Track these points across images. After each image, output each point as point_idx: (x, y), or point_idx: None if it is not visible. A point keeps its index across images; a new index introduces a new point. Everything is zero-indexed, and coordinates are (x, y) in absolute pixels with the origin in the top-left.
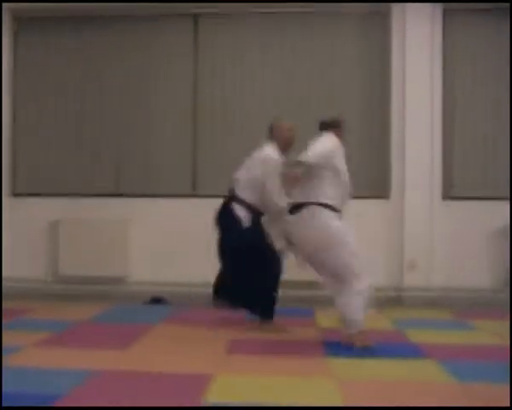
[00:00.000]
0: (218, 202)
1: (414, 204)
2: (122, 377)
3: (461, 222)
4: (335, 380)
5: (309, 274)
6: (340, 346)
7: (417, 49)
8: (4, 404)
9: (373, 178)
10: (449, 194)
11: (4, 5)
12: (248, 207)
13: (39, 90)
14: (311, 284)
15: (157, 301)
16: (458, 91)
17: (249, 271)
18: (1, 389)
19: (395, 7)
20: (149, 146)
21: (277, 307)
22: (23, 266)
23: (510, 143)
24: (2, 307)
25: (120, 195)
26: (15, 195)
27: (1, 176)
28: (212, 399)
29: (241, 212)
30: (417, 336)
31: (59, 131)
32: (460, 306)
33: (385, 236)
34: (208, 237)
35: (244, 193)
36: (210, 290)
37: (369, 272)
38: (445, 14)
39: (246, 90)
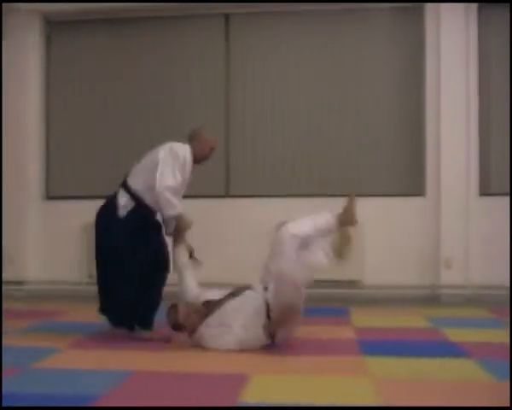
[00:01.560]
0: (252, 202)
1: (450, 201)
2: (159, 378)
3: (498, 218)
4: (372, 379)
5: (344, 273)
6: (376, 345)
7: (452, 46)
8: (43, 405)
9: (408, 175)
10: (485, 190)
11: (37, 10)
12: (132, 195)
13: (72, 92)
14: (346, 283)
15: None
16: (494, 87)
17: (110, 271)
18: (1, 388)
19: (428, 4)
20: None
21: (311, 305)
22: (58, 269)
23: (510, 142)
24: (38, 310)
25: None
26: (49, 198)
27: (1, 176)
28: (248, 399)
29: (122, 199)
30: (454, 335)
31: (92, 134)
32: (497, 303)
33: (421, 233)
34: (241, 237)
35: (131, 179)
36: None
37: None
38: (480, 10)
39: (278, 90)
